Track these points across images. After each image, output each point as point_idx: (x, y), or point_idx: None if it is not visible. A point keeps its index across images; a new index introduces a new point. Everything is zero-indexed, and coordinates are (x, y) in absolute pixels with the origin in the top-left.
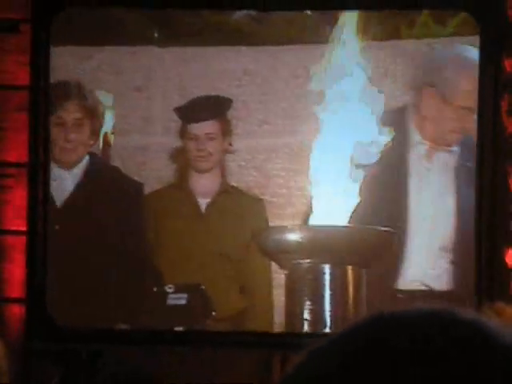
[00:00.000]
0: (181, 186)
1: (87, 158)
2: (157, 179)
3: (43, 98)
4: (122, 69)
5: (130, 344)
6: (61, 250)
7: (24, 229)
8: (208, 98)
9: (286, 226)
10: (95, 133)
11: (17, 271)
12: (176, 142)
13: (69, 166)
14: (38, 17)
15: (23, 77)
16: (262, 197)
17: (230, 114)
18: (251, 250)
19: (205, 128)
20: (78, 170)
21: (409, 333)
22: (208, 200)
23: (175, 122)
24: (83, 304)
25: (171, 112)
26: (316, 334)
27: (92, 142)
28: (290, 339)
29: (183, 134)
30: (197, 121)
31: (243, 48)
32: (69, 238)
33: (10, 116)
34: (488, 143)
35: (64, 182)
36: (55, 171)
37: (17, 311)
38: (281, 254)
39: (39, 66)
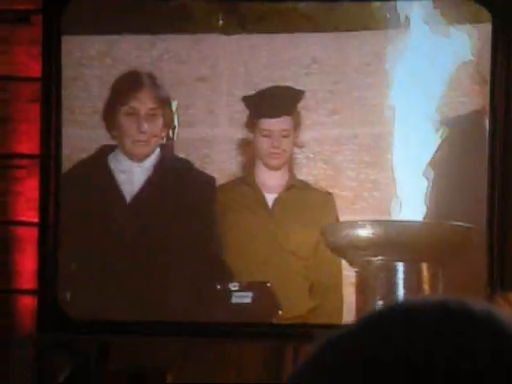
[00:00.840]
0: (247, 180)
1: (158, 150)
2: (221, 172)
3: (55, 90)
4: (185, 58)
5: (140, 335)
6: (126, 243)
7: (36, 220)
8: (280, 90)
9: (357, 222)
10: (167, 124)
11: (28, 263)
12: (241, 134)
13: (139, 159)
14: (48, 7)
15: (35, 68)
16: (331, 191)
17: (299, 104)
18: (320, 246)
19: (280, 124)
20: (149, 163)
21: (419, 329)
22: (275, 195)
23: (240, 113)
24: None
25: (236, 102)
26: (328, 326)
27: (164, 135)
28: (303, 330)
29: (252, 126)
30: (271, 116)
31: (312, 35)
32: (135, 232)
33: (22, 108)
34: (500, 135)
35: (134, 174)
36: (124, 163)
37: (28, 302)
38: (351, 250)
39: (51, 56)
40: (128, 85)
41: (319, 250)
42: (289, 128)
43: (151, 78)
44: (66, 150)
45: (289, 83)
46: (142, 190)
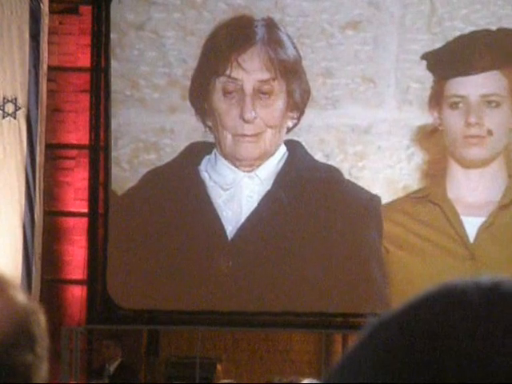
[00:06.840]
0: (432, 194)
1: (283, 149)
2: (384, 183)
3: (104, 80)
4: None
5: (190, 325)
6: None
7: (85, 210)
8: (485, 36)
9: None
10: (295, 105)
11: (78, 253)
12: (421, 118)
13: (251, 164)
14: None
15: (84, 58)
16: None
17: None
18: None
19: (480, 85)
20: (266, 171)
21: (465, 311)
22: (481, 219)
23: (419, 82)
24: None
25: (413, 64)
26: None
27: (291, 123)
28: (351, 319)
29: (438, 98)
30: (465, 73)
31: None
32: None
33: (71, 98)
34: None
35: (241, 190)
36: (225, 173)
37: (78, 292)
38: None
39: (100, 47)
40: (226, 39)
41: None
42: (498, 93)
43: (269, 25)
44: (123, 139)
45: (504, 25)
46: (254, 216)
